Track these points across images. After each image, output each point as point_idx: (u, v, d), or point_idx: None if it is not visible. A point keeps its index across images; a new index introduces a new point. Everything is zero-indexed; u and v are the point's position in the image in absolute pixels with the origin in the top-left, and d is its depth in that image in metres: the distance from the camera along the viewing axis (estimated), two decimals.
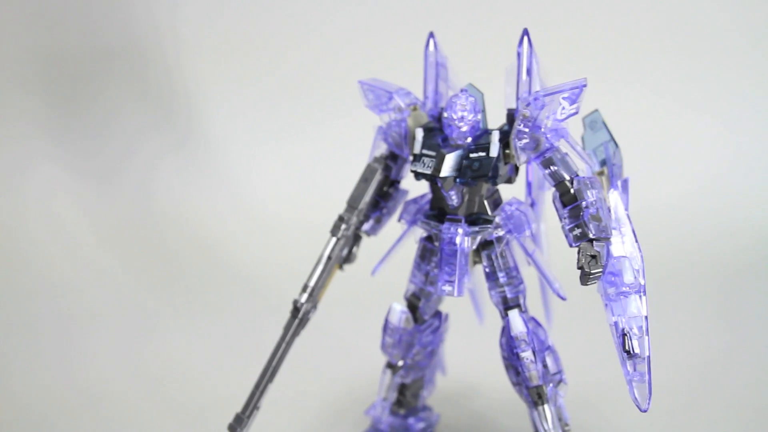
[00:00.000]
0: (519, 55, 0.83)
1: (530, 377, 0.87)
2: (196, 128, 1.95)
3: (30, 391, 1.23)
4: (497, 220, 0.87)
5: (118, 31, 1.87)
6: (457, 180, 0.84)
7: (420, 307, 0.96)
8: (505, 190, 0.91)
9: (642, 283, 0.79)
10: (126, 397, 1.21)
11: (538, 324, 0.90)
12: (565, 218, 0.79)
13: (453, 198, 0.86)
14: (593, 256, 0.77)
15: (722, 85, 1.92)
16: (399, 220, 0.94)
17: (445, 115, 0.84)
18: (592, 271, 0.77)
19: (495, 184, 0.86)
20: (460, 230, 0.86)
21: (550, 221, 0.99)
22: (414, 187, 0.97)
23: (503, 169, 0.85)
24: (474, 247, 0.87)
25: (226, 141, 1.96)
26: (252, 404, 0.90)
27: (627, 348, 0.78)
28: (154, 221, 1.85)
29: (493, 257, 0.89)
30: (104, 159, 1.91)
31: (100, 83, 1.89)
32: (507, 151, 0.84)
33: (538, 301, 1.04)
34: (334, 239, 0.92)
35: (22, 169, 1.86)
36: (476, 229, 0.86)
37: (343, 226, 0.92)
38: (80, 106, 1.89)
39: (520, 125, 0.81)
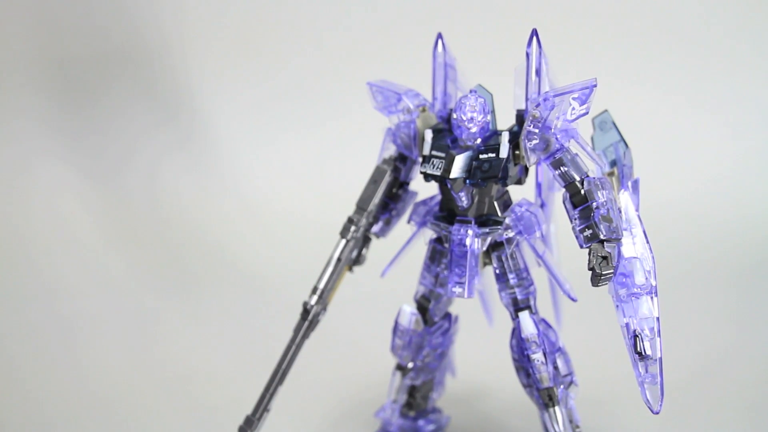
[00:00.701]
0: (528, 55, 0.83)
1: (541, 379, 0.87)
2: (201, 127, 1.95)
3: (37, 392, 1.23)
4: (507, 221, 0.88)
5: (123, 30, 1.88)
6: (467, 181, 0.84)
7: (430, 309, 0.96)
8: (515, 192, 0.91)
9: (653, 284, 0.79)
10: (134, 399, 1.21)
11: (549, 325, 0.90)
12: (575, 219, 0.79)
13: (463, 199, 0.86)
14: (604, 257, 0.77)
15: (731, 84, 1.92)
16: (408, 222, 0.94)
17: (455, 116, 0.85)
18: (603, 272, 0.77)
19: (505, 185, 0.86)
20: (470, 231, 0.86)
21: (560, 222, 0.99)
22: (423, 189, 0.97)
23: (513, 170, 0.85)
24: (484, 248, 0.88)
25: (232, 140, 1.96)
26: (262, 406, 0.91)
27: (638, 349, 0.78)
28: (160, 220, 1.85)
29: (504, 258, 0.89)
30: (109, 158, 1.91)
31: (106, 83, 1.89)
32: (517, 152, 0.84)
33: (549, 302, 1.05)
34: (343, 241, 0.93)
35: (26, 167, 1.87)
36: (486, 230, 0.87)
37: (353, 228, 0.92)
38: (86, 106, 1.90)
39: (529, 126, 0.81)
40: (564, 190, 0.81)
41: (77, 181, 1.87)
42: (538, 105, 0.80)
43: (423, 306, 0.97)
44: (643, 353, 0.77)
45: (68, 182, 1.87)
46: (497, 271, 0.90)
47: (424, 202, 0.94)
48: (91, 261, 1.71)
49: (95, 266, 1.70)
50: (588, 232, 0.78)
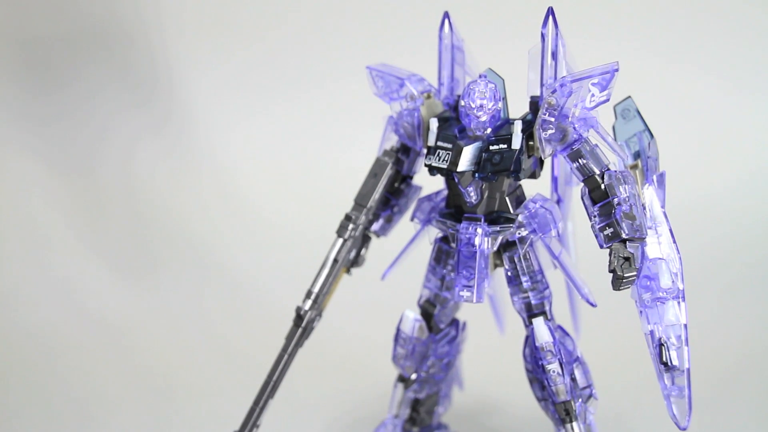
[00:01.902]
0: (543, 36, 0.83)
1: (557, 392, 0.88)
2: (179, 110, 1.90)
3: (25, 395, 1.25)
4: (520, 218, 0.88)
5: (94, 7, 1.86)
6: (476, 175, 0.84)
7: (435, 315, 0.97)
8: (529, 186, 0.91)
9: (681, 287, 0.79)
10: (109, 413, 1.22)
11: (566, 333, 0.90)
12: (595, 216, 0.80)
13: (471, 195, 0.86)
14: (626, 258, 0.77)
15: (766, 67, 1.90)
16: (411, 220, 0.94)
17: (463, 103, 0.85)
18: (626, 275, 0.77)
19: (517, 179, 0.86)
20: (479, 230, 0.86)
21: (578, 220, 0.99)
22: (428, 183, 0.97)
23: (526, 163, 0.85)
24: (494, 248, 0.88)
25: (213, 125, 1.92)
26: (251, 422, 0.91)
27: (664, 359, 0.78)
28: (135, 212, 1.82)
29: (516, 260, 0.89)
30: (79, 144, 1.89)
31: (75, 62, 1.88)
32: (531, 143, 0.84)
33: (565, 308, 1.05)
34: (340, 240, 0.93)
35: None
36: (497, 228, 0.87)
37: (351, 226, 0.93)
38: (53, 88, 1.87)
39: (545, 114, 0.81)
40: (582, 184, 0.81)
41: (45, 170, 1.85)
42: (554, 91, 0.80)
43: (428, 312, 0.97)
44: (670, 364, 0.78)
45: (35, 171, 1.85)
46: (509, 274, 0.90)
47: (428, 198, 0.94)
48: (60, 259, 1.70)
49: (65, 265, 1.68)
50: (609, 231, 0.78)
